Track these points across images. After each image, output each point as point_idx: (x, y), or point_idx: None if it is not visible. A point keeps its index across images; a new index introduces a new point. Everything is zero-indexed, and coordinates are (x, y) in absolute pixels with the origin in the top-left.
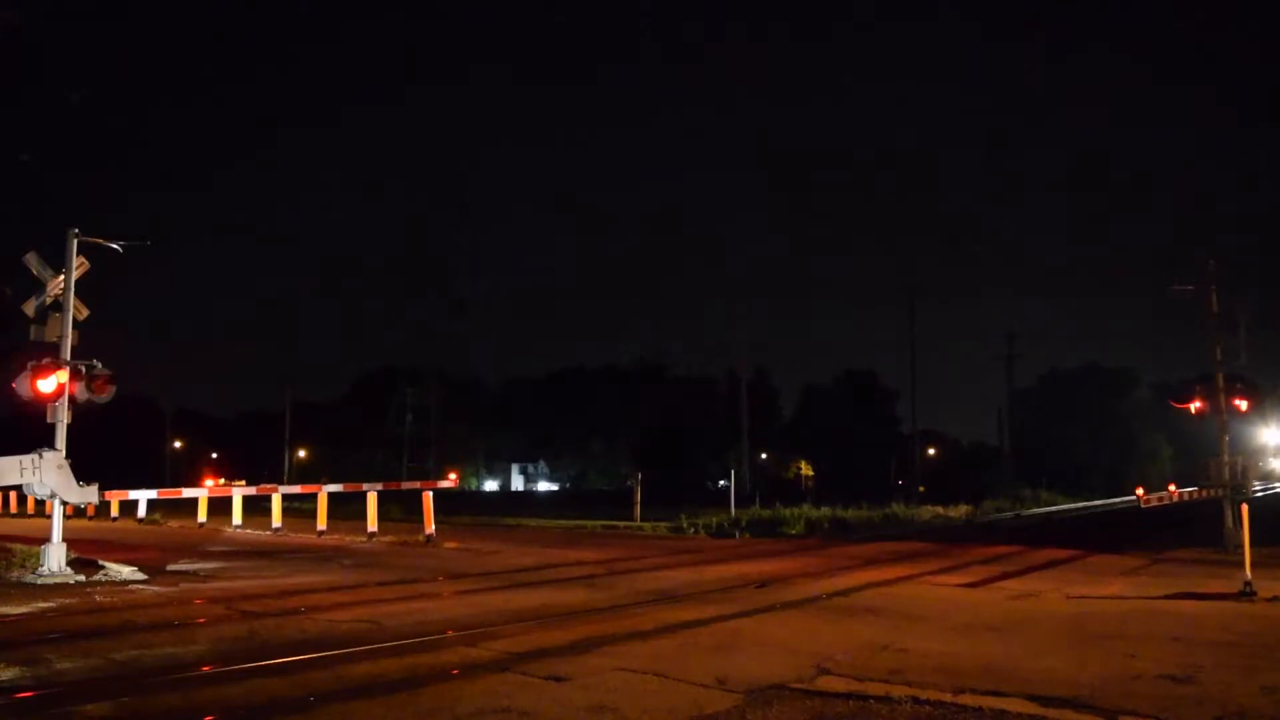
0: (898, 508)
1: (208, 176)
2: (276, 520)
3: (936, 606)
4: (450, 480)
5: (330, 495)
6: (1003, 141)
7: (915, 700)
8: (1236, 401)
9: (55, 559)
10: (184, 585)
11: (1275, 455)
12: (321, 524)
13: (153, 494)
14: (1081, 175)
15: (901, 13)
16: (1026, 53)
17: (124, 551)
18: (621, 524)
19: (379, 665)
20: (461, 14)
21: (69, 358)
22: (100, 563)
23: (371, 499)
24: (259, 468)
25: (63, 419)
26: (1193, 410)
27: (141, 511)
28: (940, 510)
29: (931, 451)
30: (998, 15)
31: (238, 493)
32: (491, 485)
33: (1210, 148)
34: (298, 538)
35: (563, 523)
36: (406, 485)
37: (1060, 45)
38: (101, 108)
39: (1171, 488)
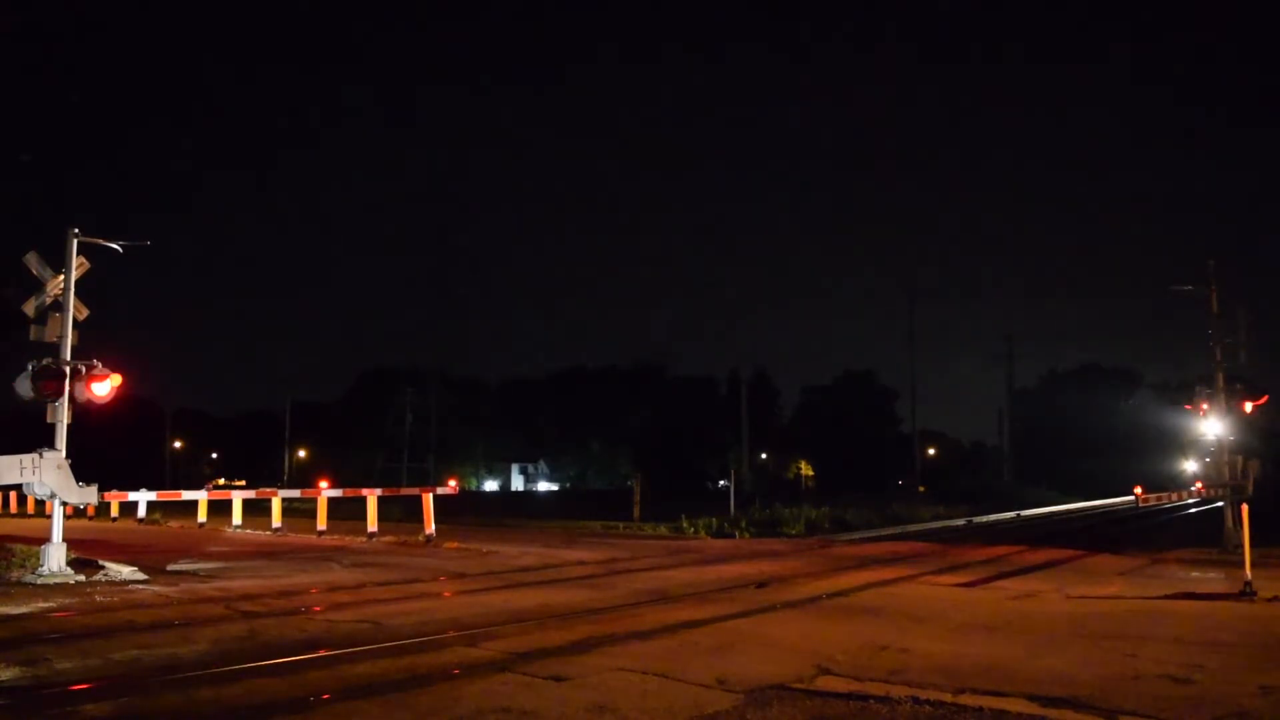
0: (898, 508)
1: (207, 176)
2: (276, 520)
3: (936, 606)
4: (450, 487)
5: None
6: (1003, 142)
7: (915, 700)
8: (1240, 401)
9: (55, 559)
10: (184, 585)
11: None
12: (321, 524)
13: (152, 496)
14: (1081, 175)
15: (901, 13)
16: (1027, 53)
17: (124, 551)
18: (621, 524)
19: (379, 665)
20: (461, 14)
21: (69, 358)
22: (100, 563)
23: (372, 499)
24: (259, 468)
25: (63, 419)
26: (1201, 411)
27: (141, 512)
28: (940, 510)
29: (931, 451)
30: (998, 16)
31: (237, 495)
32: (491, 485)
33: (1210, 148)
34: (298, 538)
35: (562, 523)
36: (406, 491)
37: (1061, 46)
38: (102, 108)
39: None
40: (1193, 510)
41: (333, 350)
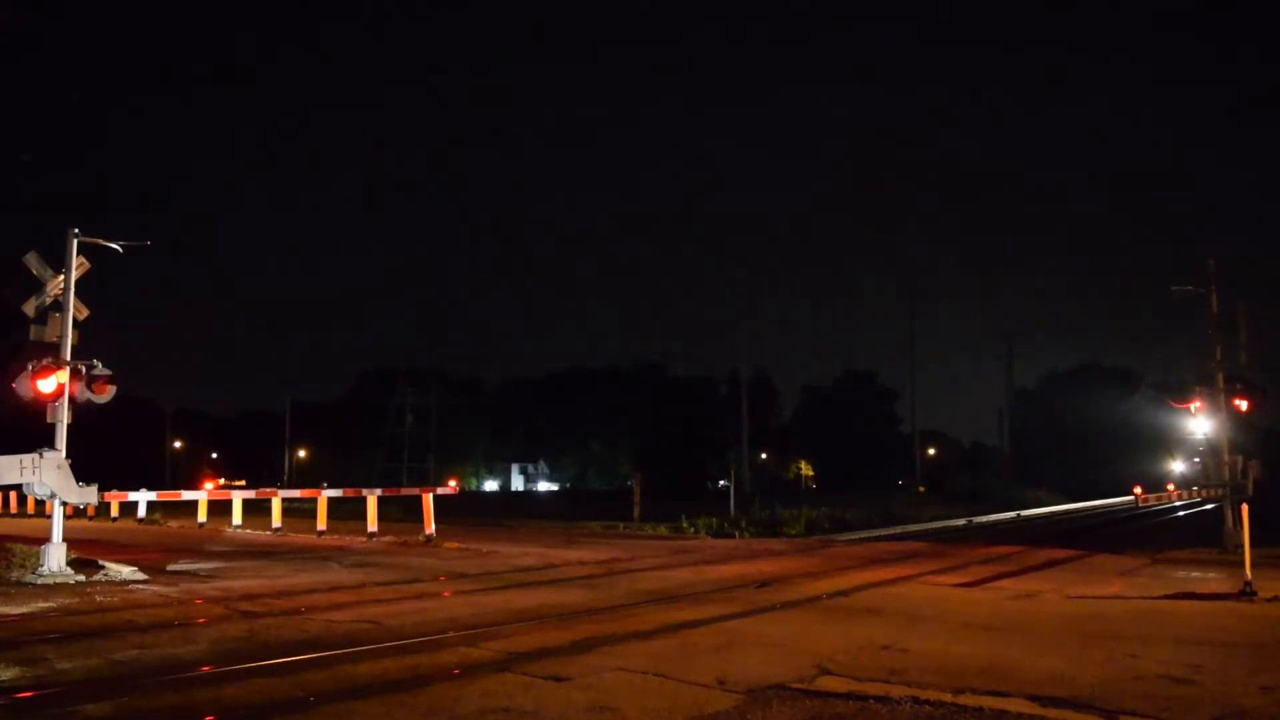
0: (898, 508)
1: (207, 176)
2: (276, 520)
3: (936, 606)
4: (450, 488)
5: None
6: (1003, 141)
7: (915, 700)
8: (1236, 401)
9: (55, 559)
10: (184, 585)
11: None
12: (321, 524)
13: (152, 496)
14: (1082, 176)
15: (903, 13)
16: (1028, 53)
17: (124, 551)
18: (621, 524)
19: (379, 665)
20: (462, 13)
21: (69, 358)
22: (100, 563)
23: (371, 500)
24: (259, 468)
25: (63, 419)
26: (1192, 410)
27: (141, 512)
28: (940, 510)
29: (931, 451)
30: (998, 16)
31: (237, 495)
32: (491, 485)
33: (1211, 148)
34: (298, 538)
35: (562, 523)
36: (406, 491)
37: (1062, 46)
38: (100, 107)
39: (1170, 487)
40: (1181, 512)
41: (333, 350)
